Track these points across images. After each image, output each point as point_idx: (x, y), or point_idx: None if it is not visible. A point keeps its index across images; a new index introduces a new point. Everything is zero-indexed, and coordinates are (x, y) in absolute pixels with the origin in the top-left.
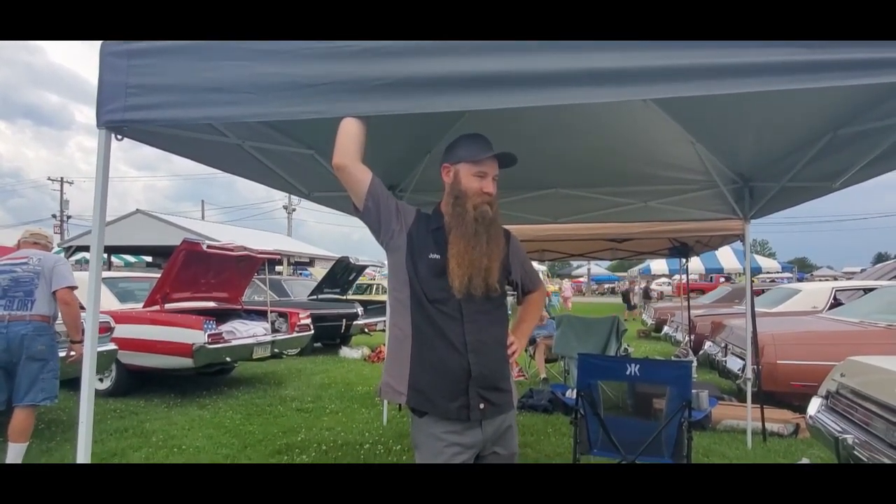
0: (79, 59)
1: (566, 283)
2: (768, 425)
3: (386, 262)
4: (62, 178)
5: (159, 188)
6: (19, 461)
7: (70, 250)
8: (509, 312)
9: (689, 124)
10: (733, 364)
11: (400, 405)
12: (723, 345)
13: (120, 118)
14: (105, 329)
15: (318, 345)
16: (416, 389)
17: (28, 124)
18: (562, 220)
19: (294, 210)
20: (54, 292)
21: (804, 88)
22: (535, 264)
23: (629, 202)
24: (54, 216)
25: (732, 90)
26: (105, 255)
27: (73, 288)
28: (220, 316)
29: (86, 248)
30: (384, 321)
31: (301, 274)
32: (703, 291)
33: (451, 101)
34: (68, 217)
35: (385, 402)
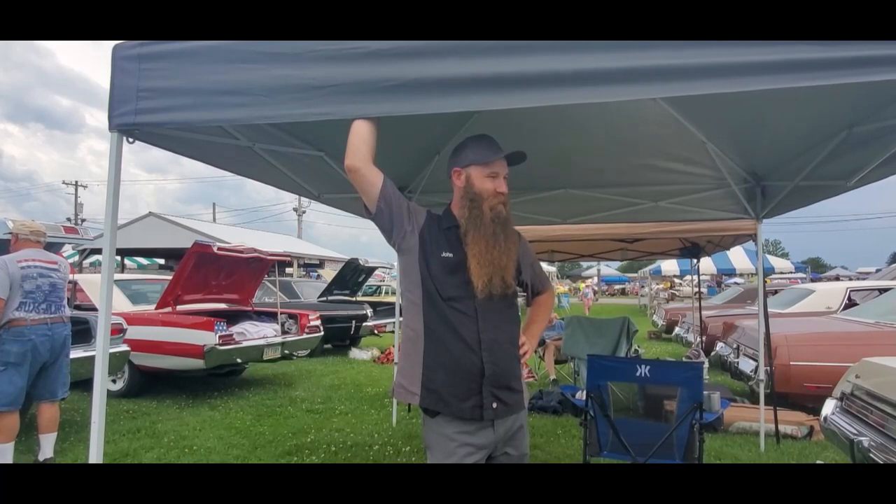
0: (88, 62)
1: (587, 286)
2: (782, 427)
3: (395, 264)
4: (76, 182)
5: (170, 190)
6: (52, 446)
7: (84, 253)
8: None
9: (700, 123)
10: (745, 365)
11: (410, 406)
12: (735, 346)
13: (132, 121)
14: (117, 331)
15: (328, 346)
16: (429, 389)
17: (40, 128)
18: (571, 221)
19: (304, 212)
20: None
21: (819, 86)
22: (544, 265)
23: (639, 202)
24: (69, 219)
25: (745, 88)
26: (118, 258)
27: None
28: (231, 317)
29: (99, 251)
30: (394, 323)
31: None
32: None
33: (462, 102)
34: (82, 220)
35: (395, 403)
